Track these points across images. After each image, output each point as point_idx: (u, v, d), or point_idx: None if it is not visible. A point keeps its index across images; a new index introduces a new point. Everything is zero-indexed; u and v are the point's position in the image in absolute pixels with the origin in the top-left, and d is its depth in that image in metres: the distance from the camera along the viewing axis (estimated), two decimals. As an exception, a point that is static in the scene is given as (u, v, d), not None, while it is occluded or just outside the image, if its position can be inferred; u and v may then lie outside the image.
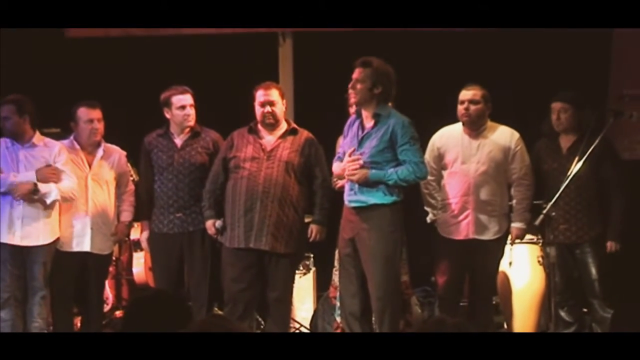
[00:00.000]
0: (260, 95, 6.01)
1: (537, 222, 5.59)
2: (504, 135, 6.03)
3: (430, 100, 7.25)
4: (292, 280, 6.17)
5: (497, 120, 6.12)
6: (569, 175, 5.57)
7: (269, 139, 6.02)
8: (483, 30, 7.65)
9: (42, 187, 5.96)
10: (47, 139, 6.18)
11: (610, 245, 6.02)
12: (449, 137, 6.08)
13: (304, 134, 6.09)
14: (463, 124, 6.04)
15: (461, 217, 6.00)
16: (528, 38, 7.64)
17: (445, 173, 6.06)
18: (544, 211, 5.50)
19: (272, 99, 6.00)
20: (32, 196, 5.96)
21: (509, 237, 6.09)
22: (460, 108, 6.01)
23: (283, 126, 6.07)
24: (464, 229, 6.00)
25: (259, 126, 6.06)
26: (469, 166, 5.98)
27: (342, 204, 5.76)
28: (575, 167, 5.59)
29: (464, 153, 6.00)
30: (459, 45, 7.75)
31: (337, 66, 6.04)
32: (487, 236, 5.99)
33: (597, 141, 5.56)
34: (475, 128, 6.02)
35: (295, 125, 6.13)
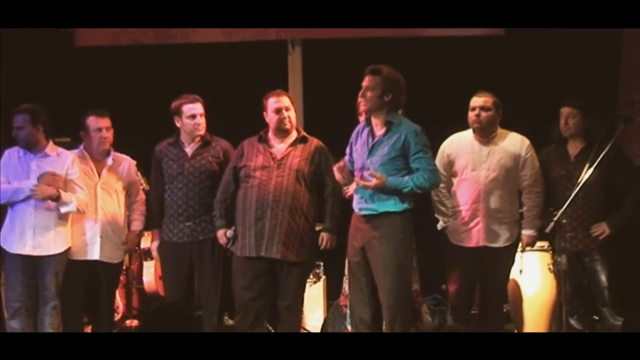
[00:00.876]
0: (273, 102, 6.01)
1: (548, 229, 5.58)
2: (514, 142, 6.02)
3: (440, 108, 7.25)
4: (303, 289, 6.16)
5: (507, 127, 6.12)
6: (579, 183, 5.55)
7: (279, 148, 6.03)
8: (493, 37, 7.69)
9: (64, 197, 5.98)
10: (60, 149, 6.19)
11: (601, 227, 5.97)
12: (459, 144, 6.07)
13: (314, 142, 6.09)
14: (474, 131, 6.03)
15: (472, 225, 5.99)
16: (538, 45, 7.66)
17: (455, 180, 6.05)
18: (555, 218, 5.48)
19: (286, 105, 6.01)
20: (53, 202, 5.97)
21: (520, 244, 6.07)
22: (471, 114, 6.00)
23: (293, 134, 6.07)
24: (475, 237, 5.99)
25: (269, 135, 6.06)
26: (479, 173, 5.97)
27: (352, 213, 5.75)
28: (586, 174, 5.57)
29: (474, 160, 5.99)
30: (468, 52, 7.77)
31: (346, 74, 6.05)
32: (498, 243, 5.97)
33: (607, 148, 5.54)
34: (485, 135, 6.01)
35: (305, 134, 6.13)
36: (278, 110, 5.99)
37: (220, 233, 6.06)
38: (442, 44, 7.82)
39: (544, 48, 7.68)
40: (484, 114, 5.97)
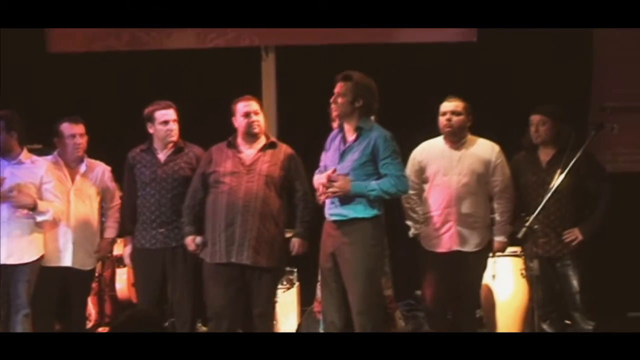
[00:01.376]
0: (242, 106, 6.02)
1: (520, 234, 5.60)
2: (484, 148, 6.06)
3: (414, 114, 7.28)
4: (274, 295, 6.17)
5: (478, 133, 6.15)
6: (551, 188, 5.58)
7: (248, 153, 6.02)
8: (466, 43, 7.74)
9: (41, 206, 5.94)
10: (35, 157, 6.14)
11: (573, 233, 6.01)
12: (430, 150, 6.10)
13: (283, 147, 6.10)
14: (445, 136, 6.07)
15: (444, 230, 6.01)
16: (510, 52, 7.71)
17: (426, 186, 6.07)
18: (527, 224, 5.50)
19: (255, 109, 6.03)
20: (30, 211, 5.93)
21: (492, 249, 6.10)
22: (442, 119, 6.04)
23: (262, 140, 6.07)
24: (447, 242, 6.01)
25: (238, 140, 6.06)
26: (451, 178, 6.00)
27: (324, 219, 5.75)
28: (557, 180, 5.60)
29: (446, 165, 6.02)
30: (441, 58, 7.80)
31: (320, 80, 6.06)
32: (470, 248, 6.00)
33: (578, 154, 5.57)
34: (456, 140, 6.04)
35: (274, 139, 6.14)
36: (247, 114, 5.99)
37: (189, 240, 6.04)
38: (415, 50, 7.86)
39: (515, 55, 7.73)
40: (455, 118, 6.01)
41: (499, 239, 6.04)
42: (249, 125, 5.99)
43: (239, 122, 6.03)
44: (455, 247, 6.00)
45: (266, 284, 5.96)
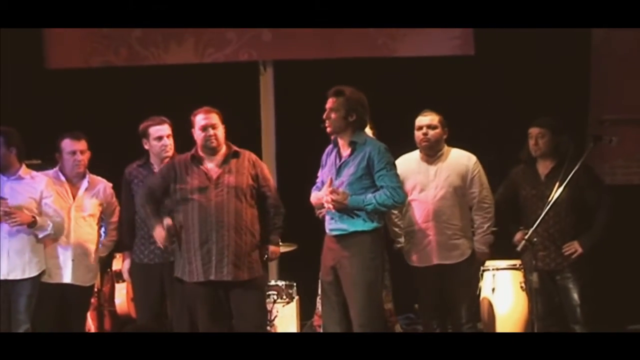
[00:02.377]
0: (200, 119, 5.89)
1: (520, 248, 5.59)
2: (461, 160, 6.07)
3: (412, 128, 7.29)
4: (264, 305, 6.12)
5: (478, 146, 6.15)
6: (550, 201, 5.58)
7: (212, 166, 5.89)
8: (464, 57, 7.75)
9: (40, 222, 5.93)
10: (34, 173, 6.13)
11: (573, 246, 5.99)
12: (407, 165, 6.08)
13: (246, 154, 6.00)
14: (421, 150, 6.09)
15: (424, 244, 6.01)
16: (508, 65, 7.72)
17: (406, 201, 6.06)
18: (526, 237, 5.50)
19: (214, 122, 5.89)
20: (28, 228, 5.92)
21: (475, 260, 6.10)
22: (419, 134, 6.05)
23: (223, 151, 5.94)
24: (429, 256, 6.01)
25: (200, 154, 5.94)
26: (428, 193, 6.01)
27: (324, 232, 5.74)
28: (556, 193, 5.60)
29: (422, 180, 6.03)
30: (439, 72, 7.82)
31: (319, 94, 6.05)
32: (451, 260, 5.99)
33: (577, 166, 5.57)
34: (433, 153, 6.05)
35: (236, 148, 5.99)
36: (204, 128, 5.86)
37: (157, 230, 5.86)
38: (413, 63, 7.87)
39: (514, 68, 7.74)
40: (431, 132, 6.03)
41: (480, 249, 6.04)
42: (206, 139, 5.86)
43: (197, 135, 5.91)
44: (437, 261, 5.99)
45: (254, 296, 5.87)
